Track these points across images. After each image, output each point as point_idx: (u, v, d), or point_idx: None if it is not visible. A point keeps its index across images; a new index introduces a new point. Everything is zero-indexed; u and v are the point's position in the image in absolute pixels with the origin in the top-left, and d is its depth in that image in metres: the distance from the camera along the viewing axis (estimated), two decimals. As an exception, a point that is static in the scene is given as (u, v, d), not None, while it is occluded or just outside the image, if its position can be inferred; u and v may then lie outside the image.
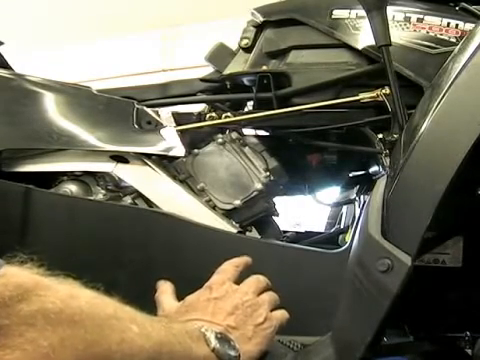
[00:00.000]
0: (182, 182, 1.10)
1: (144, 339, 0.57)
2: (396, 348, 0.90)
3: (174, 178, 1.09)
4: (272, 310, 0.78)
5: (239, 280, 0.80)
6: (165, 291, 0.84)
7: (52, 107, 1.12)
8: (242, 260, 0.83)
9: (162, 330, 0.61)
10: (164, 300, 0.82)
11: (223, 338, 0.68)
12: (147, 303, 0.82)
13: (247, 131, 1.18)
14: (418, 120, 0.73)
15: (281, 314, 0.79)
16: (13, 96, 1.12)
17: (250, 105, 1.15)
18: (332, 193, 1.43)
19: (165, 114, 1.13)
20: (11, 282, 0.50)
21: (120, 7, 3.83)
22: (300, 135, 1.12)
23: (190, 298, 0.77)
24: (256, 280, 0.80)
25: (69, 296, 0.53)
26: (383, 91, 1.02)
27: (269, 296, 0.79)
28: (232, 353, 0.67)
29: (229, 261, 0.83)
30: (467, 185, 0.82)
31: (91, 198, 1.08)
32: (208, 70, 1.23)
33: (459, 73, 0.67)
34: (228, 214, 1.08)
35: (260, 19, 1.15)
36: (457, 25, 1.03)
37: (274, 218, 1.16)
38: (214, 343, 0.66)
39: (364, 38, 1.05)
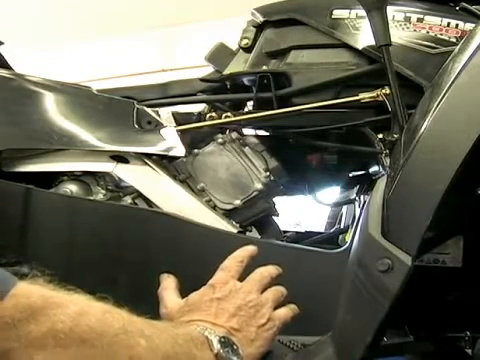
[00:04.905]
0: (182, 182, 1.10)
1: (151, 354, 0.58)
2: (396, 348, 0.90)
3: (174, 178, 1.09)
4: (277, 307, 0.78)
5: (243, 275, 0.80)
6: (168, 287, 0.84)
7: (52, 107, 1.12)
8: (246, 252, 0.82)
9: (169, 342, 0.61)
10: (166, 296, 0.82)
11: (226, 342, 0.68)
12: (147, 303, 0.83)
13: (247, 131, 1.18)
14: (418, 120, 0.73)
15: (284, 313, 0.78)
16: (13, 96, 1.12)
17: (250, 105, 1.15)
18: (332, 193, 1.43)
19: (165, 114, 1.13)
20: (21, 303, 0.51)
21: (120, 7, 3.83)
22: (300, 135, 1.11)
23: (193, 297, 0.77)
24: (260, 276, 0.79)
25: (79, 313, 0.54)
26: (383, 91, 1.02)
27: (273, 293, 0.79)
28: (235, 359, 0.67)
29: (233, 255, 0.81)
30: (467, 185, 0.81)
31: (91, 198, 1.08)
32: (208, 70, 1.23)
33: (459, 73, 0.67)
34: (228, 214, 1.08)
35: (260, 19, 1.15)
36: (457, 25, 1.03)
37: (274, 218, 1.16)
38: (217, 348, 0.66)
39: (364, 38, 1.05)
